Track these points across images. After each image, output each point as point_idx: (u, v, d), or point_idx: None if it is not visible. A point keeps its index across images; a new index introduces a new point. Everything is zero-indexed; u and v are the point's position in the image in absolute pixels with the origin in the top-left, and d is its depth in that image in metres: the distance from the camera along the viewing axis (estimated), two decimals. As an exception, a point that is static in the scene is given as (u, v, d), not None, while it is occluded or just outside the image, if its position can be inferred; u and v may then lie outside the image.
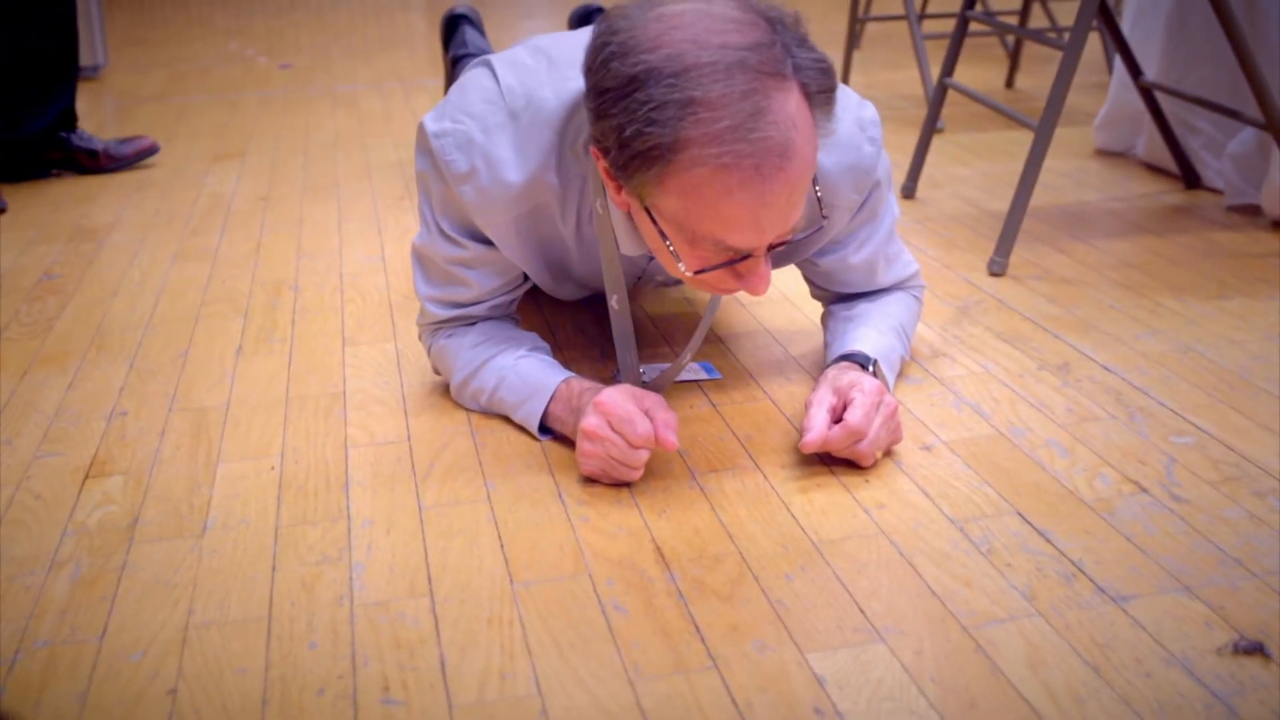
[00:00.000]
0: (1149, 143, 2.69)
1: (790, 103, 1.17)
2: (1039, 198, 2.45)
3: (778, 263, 1.54)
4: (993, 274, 2.04)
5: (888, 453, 1.44)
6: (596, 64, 1.21)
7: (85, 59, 4.45)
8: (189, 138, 3.35)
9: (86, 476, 1.45)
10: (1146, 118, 2.59)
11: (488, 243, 1.46)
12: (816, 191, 1.30)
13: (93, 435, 1.56)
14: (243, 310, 1.99)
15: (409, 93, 3.89)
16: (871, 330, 1.55)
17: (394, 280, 2.10)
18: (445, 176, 1.41)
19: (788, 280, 1.96)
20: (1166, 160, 2.61)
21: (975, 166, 2.77)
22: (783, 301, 1.95)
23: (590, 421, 1.36)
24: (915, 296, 1.66)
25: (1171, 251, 2.15)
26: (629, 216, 1.35)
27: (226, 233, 2.42)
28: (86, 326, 1.95)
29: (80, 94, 4.08)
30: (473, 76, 1.46)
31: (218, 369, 1.76)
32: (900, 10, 3.63)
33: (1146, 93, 2.50)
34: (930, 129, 2.50)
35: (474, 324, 1.58)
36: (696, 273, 1.27)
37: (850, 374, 1.43)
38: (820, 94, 1.21)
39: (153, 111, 3.77)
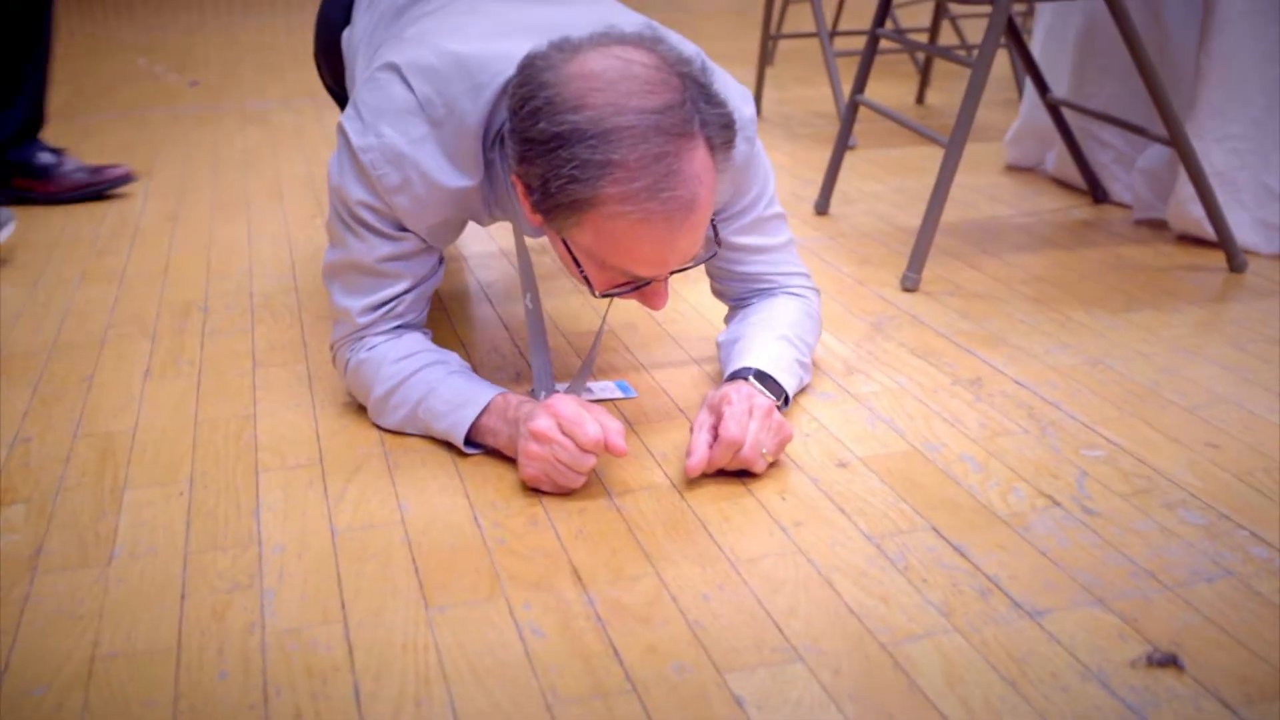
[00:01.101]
0: (1059, 158, 2.74)
1: (697, 160, 1.28)
2: (951, 213, 2.47)
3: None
4: (906, 289, 2.06)
5: (776, 462, 1.46)
6: (523, 113, 1.29)
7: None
8: (94, 156, 3.28)
9: (-13, 505, 1.42)
10: (1056, 133, 2.63)
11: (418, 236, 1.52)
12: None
13: (-6, 462, 1.53)
14: (150, 332, 1.95)
15: (320, 109, 3.85)
16: (754, 343, 1.57)
17: (306, 300, 2.07)
18: (376, 189, 1.45)
19: (701, 294, 1.96)
20: (1076, 176, 2.66)
21: (888, 182, 2.79)
22: (695, 316, 1.95)
23: (540, 423, 1.36)
24: (805, 298, 1.68)
25: (1081, 265, 2.18)
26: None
27: (134, 252, 2.37)
28: (-12, 350, 1.90)
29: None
30: (384, 83, 1.45)
31: (124, 393, 1.72)
32: (812, 28, 3.65)
33: (1054, 109, 2.54)
34: (843, 146, 2.52)
35: (399, 335, 1.57)
36: (603, 293, 1.38)
37: (723, 388, 1.47)
38: (721, 144, 1.32)
39: (57, 129, 3.68)
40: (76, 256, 2.36)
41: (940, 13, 3.53)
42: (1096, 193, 2.60)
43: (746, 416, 1.41)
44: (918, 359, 1.78)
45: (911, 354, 1.79)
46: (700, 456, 1.40)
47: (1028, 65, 2.55)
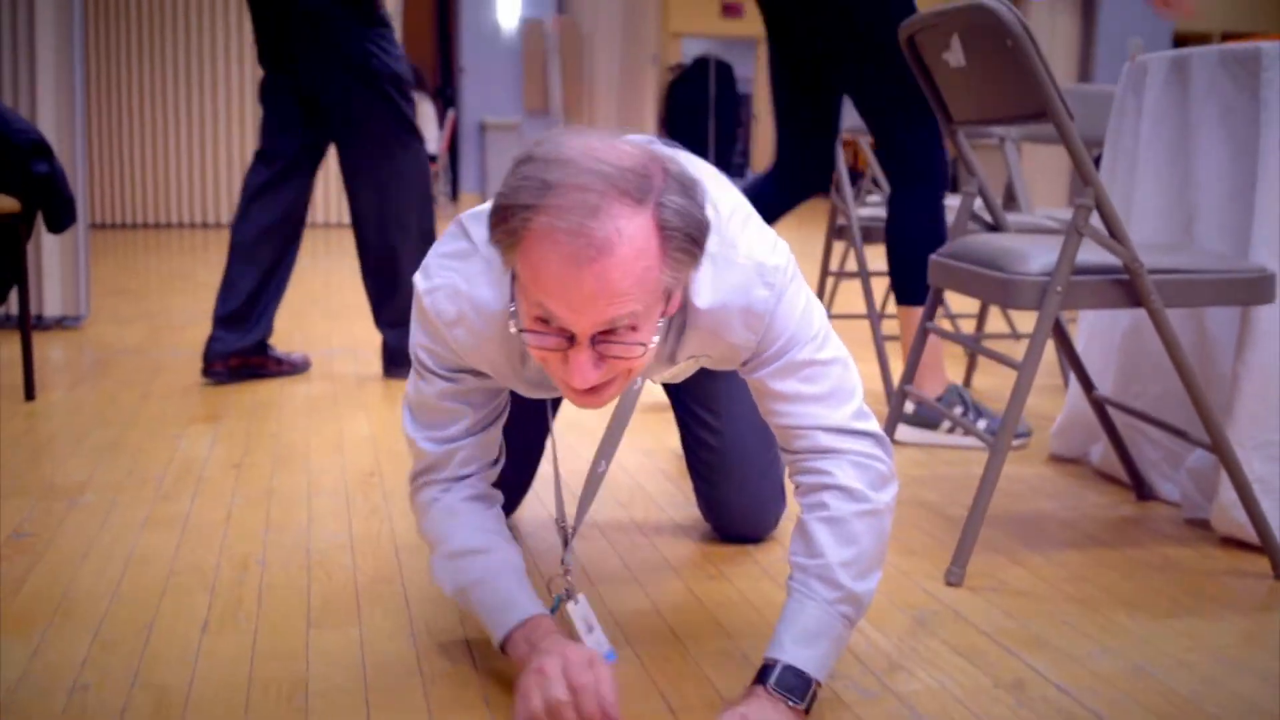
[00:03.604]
0: (1104, 452, 2.78)
1: (630, 224, 1.33)
2: (996, 504, 2.51)
3: (660, 372, 1.72)
4: (950, 584, 2.08)
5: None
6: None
7: (68, 309, 4.56)
8: (164, 395, 3.41)
9: (43, 756, 1.45)
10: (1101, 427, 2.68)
11: (477, 374, 1.65)
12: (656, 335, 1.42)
13: (53, 710, 1.56)
14: (209, 585, 2.00)
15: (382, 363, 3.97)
16: (790, 614, 1.56)
17: (361, 561, 2.12)
18: (437, 325, 1.58)
19: (748, 580, 1.99)
20: (1121, 470, 2.70)
21: (931, 468, 2.84)
22: (744, 604, 1.98)
23: (553, 692, 1.45)
24: (877, 513, 1.61)
25: (1125, 565, 2.20)
26: None
27: (197, 500, 2.44)
28: (53, 590, 1.96)
29: (61, 344, 4.18)
30: (449, 236, 1.62)
31: (181, 645, 1.76)
32: (862, 308, 3.77)
33: (1099, 406, 2.60)
34: (889, 435, 2.58)
35: (468, 490, 1.73)
36: (522, 330, 1.42)
37: (740, 709, 1.48)
38: (674, 231, 1.36)
39: (131, 366, 3.83)
40: (142, 500, 2.43)
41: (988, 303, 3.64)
42: (1141, 490, 2.63)
43: None
44: (960, 658, 1.79)
45: (954, 652, 1.81)
46: None
47: (1073, 362, 2.62)
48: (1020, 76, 2.06)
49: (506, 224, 1.36)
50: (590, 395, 1.45)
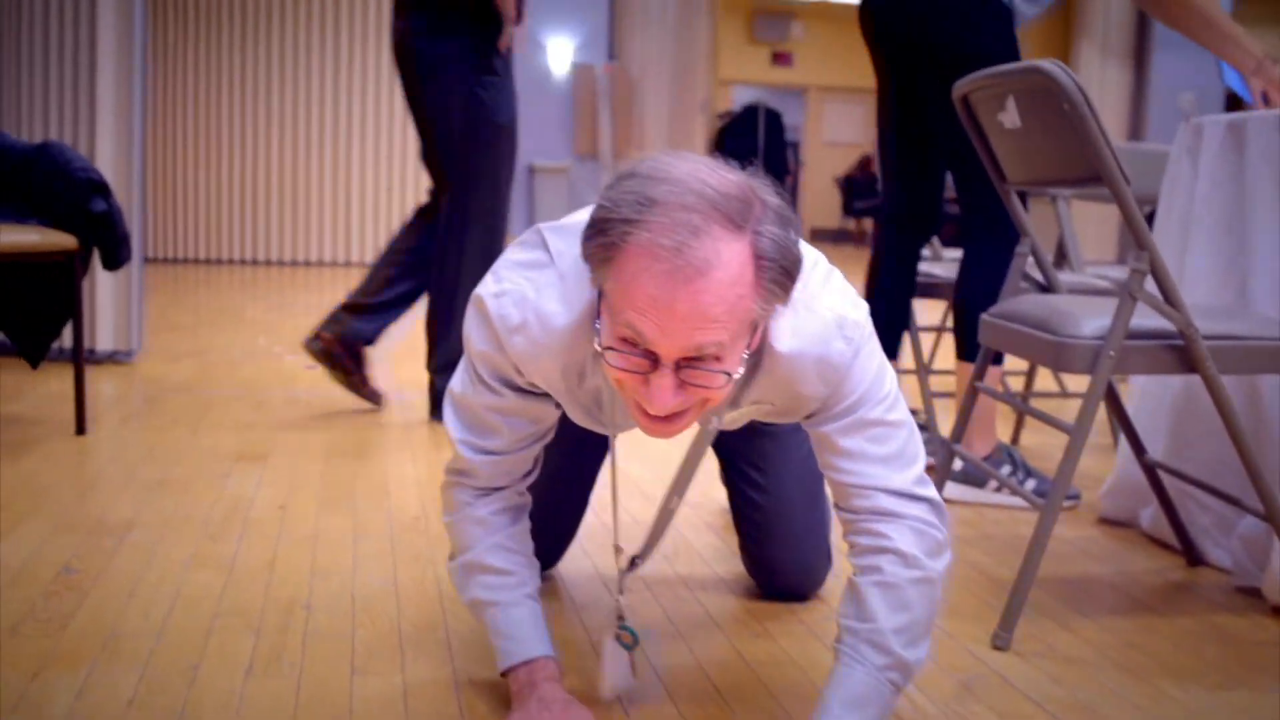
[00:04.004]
0: (1155, 516, 2.75)
1: (729, 248, 1.33)
2: (1044, 567, 2.49)
3: (724, 414, 1.68)
4: (996, 648, 2.06)
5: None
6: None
7: (121, 344, 4.60)
8: (213, 433, 3.44)
9: (87, 798, 1.45)
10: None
11: (525, 393, 1.64)
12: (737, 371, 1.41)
13: (97, 752, 1.57)
14: (255, 627, 2.01)
15: (430, 404, 3.99)
16: (856, 689, 1.55)
17: (406, 608, 2.12)
18: (497, 330, 1.56)
19: (795, 644, 1.98)
20: (1171, 535, 2.66)
21: (979, 528, 2.82)
22: (791, 665, 1.97)
23: None
24: (931, 581, 1.61)
25: (1174, 633, 2.17)
26: None
27: (244, 541, 2.46)
28: (100, 628, 1.97)
29: (113, 379, 4.23)
30: (524, 244, 1.62)
31: (226, 689, 1.77)
32: (910, 363, 3.76)
33: (1150, 470, 2.57)
34: (939, 491, 2.56)
35: (502, 504, 1.76)
36: (606, 348, 1.40)
37: None
38: (770, 263, 1.36)
39: (181, 403, 3.87)
40: (188, 539, 2.45)
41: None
42: (1192, 555, 2.60)
43: None
44: (1007, 724, 1.77)
45: (1001, 719, 1.79)
46: None
47: (1124, 425, 2.60)
48: (1076, 140, 2.05)
49: (605, 236, 1.35)
50: (664, 424, 1.43)
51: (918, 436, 1.64)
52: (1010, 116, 2.26)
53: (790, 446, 2.16)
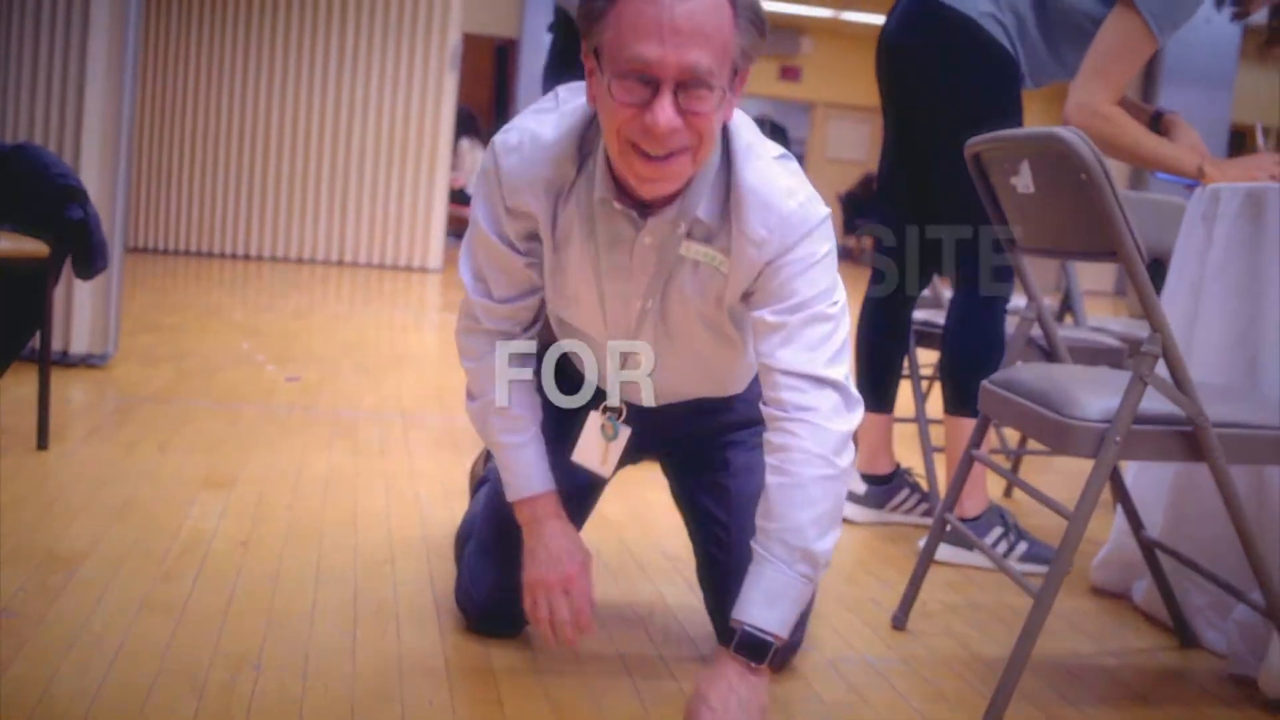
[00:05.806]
0: (1148, 590, 2.65)
1: None
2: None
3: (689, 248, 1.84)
4: (982, 744, 1.96)
5: None
6: None
7: (95, 347, 4.48)
8: (183, 451, 3.32)
9: None
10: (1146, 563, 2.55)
11: (512, 249, 1.90)
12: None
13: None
14: (199, 688, 1.89)
15: (408, 428, 3.88)
16: (750, 579, 1.79)
17: (361, 671, 2.01)
18: (496, 154, 1.83)
19: None
20: (1164, 612, 2.56)
21: (966, 594, 2.71)
22: None
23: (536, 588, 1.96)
24: (836, 478, 1.79)
25: (1166, 729, 2.08)
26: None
27: (199, 581, 2.34)
28: (34, 684, 1.85)
29: (84, 385, 4.10)
30: (543, 100, 1.88)
31: (160, 763, 1.66)
32: (911, 411, 3.65)
33: (1148, 548, 2.47)
34: (927, 561, 2.46)
35: (510, 340, 1.99)
36: (610, 81, 1.63)
37: (702, 687, 1.74)
38: (743, 6, 1.63)
39: (152, 414, 3.75)
40: (142, 576, 2.33)
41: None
42: (1185, 636, 2.50)
43: None
44: (989, 839, 1.67)
45: (983, 831, 1.69)
46: None
47: (1122, 501, 2.50)
48: (1091, 212, 1.95)
49: (600, 10, 1.62)
50: (659, 165, 1.65)
51: (844, 326, 1.81)
52: (1023, 180, 2.15)
53: (750, 497, 2.09)
